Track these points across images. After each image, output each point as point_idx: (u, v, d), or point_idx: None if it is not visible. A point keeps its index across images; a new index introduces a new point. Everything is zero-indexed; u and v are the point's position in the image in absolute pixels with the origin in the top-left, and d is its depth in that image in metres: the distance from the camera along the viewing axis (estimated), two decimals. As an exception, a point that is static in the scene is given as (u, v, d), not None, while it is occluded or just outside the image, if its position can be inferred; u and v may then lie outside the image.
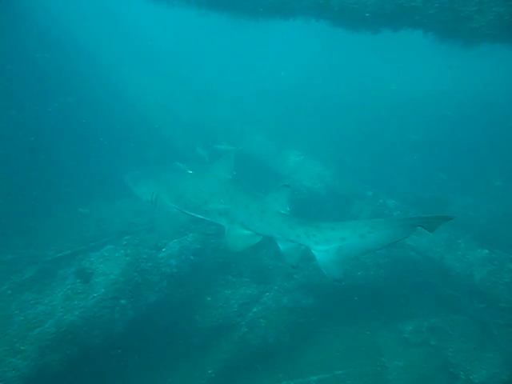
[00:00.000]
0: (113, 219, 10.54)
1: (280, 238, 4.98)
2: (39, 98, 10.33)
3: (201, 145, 11.60)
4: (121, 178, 10.62)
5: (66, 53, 11.70)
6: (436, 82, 15.64)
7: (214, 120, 15.62)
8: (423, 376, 6.69)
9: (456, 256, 7.85)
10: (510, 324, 6.87)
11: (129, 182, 6.83)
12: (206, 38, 24.81)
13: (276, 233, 4.97)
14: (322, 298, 7.59)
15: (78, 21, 14.39)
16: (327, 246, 4.52)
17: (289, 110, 15.52)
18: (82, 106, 10.92)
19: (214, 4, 7.50)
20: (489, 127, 11.56)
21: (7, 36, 10.18)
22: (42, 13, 11.97)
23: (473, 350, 6.76)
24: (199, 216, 5.73)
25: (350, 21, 5.76)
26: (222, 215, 5.45)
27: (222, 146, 9.02)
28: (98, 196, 11.14)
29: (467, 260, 7.73)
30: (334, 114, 14.53)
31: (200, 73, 20.16)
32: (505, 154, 10.74)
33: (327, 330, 7.59)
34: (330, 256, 4.52)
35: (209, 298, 7.33)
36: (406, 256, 7.87)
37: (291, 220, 4.90)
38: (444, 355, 6.88)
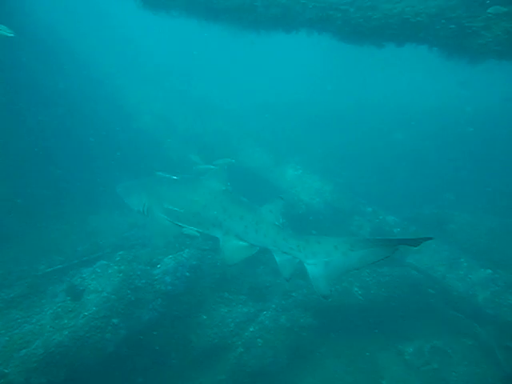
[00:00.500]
0: (106, 232, 10.31)
1: (275, 250, 4.91)
2: (30, 108, 10.16)
3: (195, 152, 11.44)
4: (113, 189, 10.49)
5: (61, 62, 11.55)
6: (442, 96, 15.56)
7: (212, 132, 15.46)
8: (425, 401, 6.47)
9: (458, 275, 7.68)
10: (514, 347, 6.68)
11: (121, 192, 6.60)
12: (205, 49, 24.81)
13: (271, 244, 4.90)
14: (320, 317, 7.37)
15: (73, 29, 14.31)
16: (315, 260, 4.49)
17: (287, 123, 15.41)
18: (73, 117, 10.73)
19: (214, 16, 7.38)
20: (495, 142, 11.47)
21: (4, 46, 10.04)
22: (38, 22, 11.86)
23: (476, 374, 6.54)
24: (191, 227, 5.54)
25: (353, 34, 5.65)
26: (215, 226, 5.31)
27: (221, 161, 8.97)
28: (90, 208, 10.94)
29: (470, 280, 7.56)
30: (334, 128, 14.40)
31: (198, 84, 20.10)
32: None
33: (325, 351, 7.36)
34: (318, 270, 4.50)
35: (204, 317, 7.08)
36: (408, 275, 7.68)
37: (285, 232, 4.85)
38: (446, 379, 6.66)
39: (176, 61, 22.09)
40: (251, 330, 6.95)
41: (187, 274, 6.87)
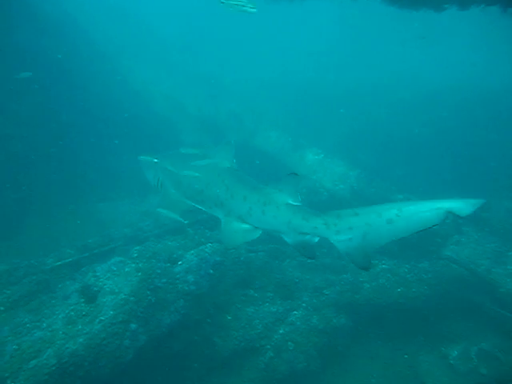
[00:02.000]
0: (117, 222, 9.73)
1: (288, 232, 4.43)
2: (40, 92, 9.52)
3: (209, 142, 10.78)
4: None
5: (66, 40, 10.83)
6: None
7: (225, 114, 14.73)
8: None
9: (506, 270, 6.98)
10: None
11: (142, 165, 6.19)
12: (215, 25, 23.67)
13: (284, 226, 4.43)
14: (354, 316, 6.77)
15: (78, 7, 13.56)
16: (351, 235, 4.02)
17: (306, 103, 14.54)
18: (79, 102, 10.07)
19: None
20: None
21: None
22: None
23: (531, 381, 5.92)
24: (196, 206, 5.21)
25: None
26: (217, 206, 4.91)
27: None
28: (99, 195, 10.37)
29: (520, 275, 6.87)
30: (358, 108, 13.50)
31: (209, 63, 19.24)
32: None
33: (360, 353, 6.75)
34: (354, 244, 4.03)
35: (229, 317, 6.48)
36: (450, 270, 7.00)
37: (305, 211, 4.34)
38: (497, 386, 6.04)
39: (182, 36, 21.20)
40: (281, 332, 6.36)
41: (211, 271, 6.24)
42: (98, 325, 5.08)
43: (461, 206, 3.50)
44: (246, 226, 4.69)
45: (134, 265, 5.75)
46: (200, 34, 21.96)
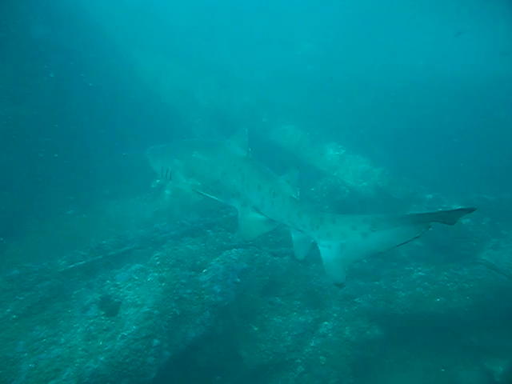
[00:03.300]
0: (129, 221, 9.33)
1: (291, 227, 4.23)
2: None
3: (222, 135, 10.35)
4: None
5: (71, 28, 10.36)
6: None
7: (237, 107, 14.17)
8: None
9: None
10: None
11: (149, 156, 5.86)
12: (225, 13, 22.93)
13: (286, 220, 4.22)
14: (389, 327, 6.33)
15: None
16: (329, 242, 3.81)
17: (324, 94, 13.95)
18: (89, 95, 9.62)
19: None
20: None
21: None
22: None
23: None
24: (212, 197, 5.01)
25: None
26: (234, 197, 4.75)
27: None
28: (109, 191, 9.97)
29: None
30: (381, 99, 12.88)
31: (220, 52, 18.66)
32: None
33: (396, 367, 6.34)
34: (332, 254, 3.81)
35: (256, 328, 6.07)
36: (494, 278, 6.51)
37: (301, 207, 4.12)
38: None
39: (191, 24, 20.59)
40: (312, 344, 5.95)
41: (238, 279, 5.81)
42: (120, 341, 4.66)
43: (443, 217, 3.16)
44: (262, 217, 4.52)
45: (156, 274, 5.32)
46: (210, 22, 21.29)
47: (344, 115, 13.13)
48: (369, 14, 21.48)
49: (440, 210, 3.01)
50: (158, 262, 5.50)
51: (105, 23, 13.25)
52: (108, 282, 5.60)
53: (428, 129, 10.88)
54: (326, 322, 6.21)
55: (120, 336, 4.70)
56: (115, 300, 5.10)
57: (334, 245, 3.76)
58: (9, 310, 5.58)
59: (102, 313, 4.97)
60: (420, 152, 10.43)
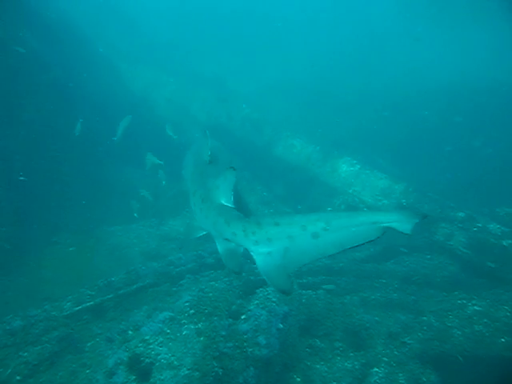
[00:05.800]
0: (134, 250, 8.51)
1: (217, 236, 3.87)
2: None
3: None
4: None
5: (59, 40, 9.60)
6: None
7: (238, 120, 13.45)
8: None
9: None
10: None
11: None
12: (216, 25, 22.30)
13: (212, 228, 3.88)
14: (445, 372, 5.63)
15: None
16: (270, 248, 3.46)
17: (332, 104, 13.33)
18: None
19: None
20: None
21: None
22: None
23: None
24: None
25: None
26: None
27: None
28: (105, 215, 9.16)
29: None
30: (398, 109, 12.29)
31: (212, 64, 17.99)
32: None
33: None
34: (273, 260, 3.46)
35: (298, 379, 5.29)
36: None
37: (229, 213, 3.73)
38: None
39: (181, 35, 19.98)
40: (365, 398, 5.18)
41: (280, 325, 5.05)
42: (158, 416, 3.82)
43: (399, 219, 3.05)
44: (196, 222, 4.43)
45: (192, 326, 4.52)
46: (200, 34, 20.64)
47: (350, 129, 12.58)
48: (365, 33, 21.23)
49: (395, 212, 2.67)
50: (192, 311, 4.68)
51: (98, 39, 12.58)
52: (130, 333, 4.75)
53: (448, 140, 10.36)
54: (376, 369, 5.47)
55: (157, 409, 3.87)
56: (146, 360, 4.26)
57: (276, 250, 3.42)
58: (9, 371, 4.76)
59: (133, 377, 4.12)
60: (439, 166, 9.90)
